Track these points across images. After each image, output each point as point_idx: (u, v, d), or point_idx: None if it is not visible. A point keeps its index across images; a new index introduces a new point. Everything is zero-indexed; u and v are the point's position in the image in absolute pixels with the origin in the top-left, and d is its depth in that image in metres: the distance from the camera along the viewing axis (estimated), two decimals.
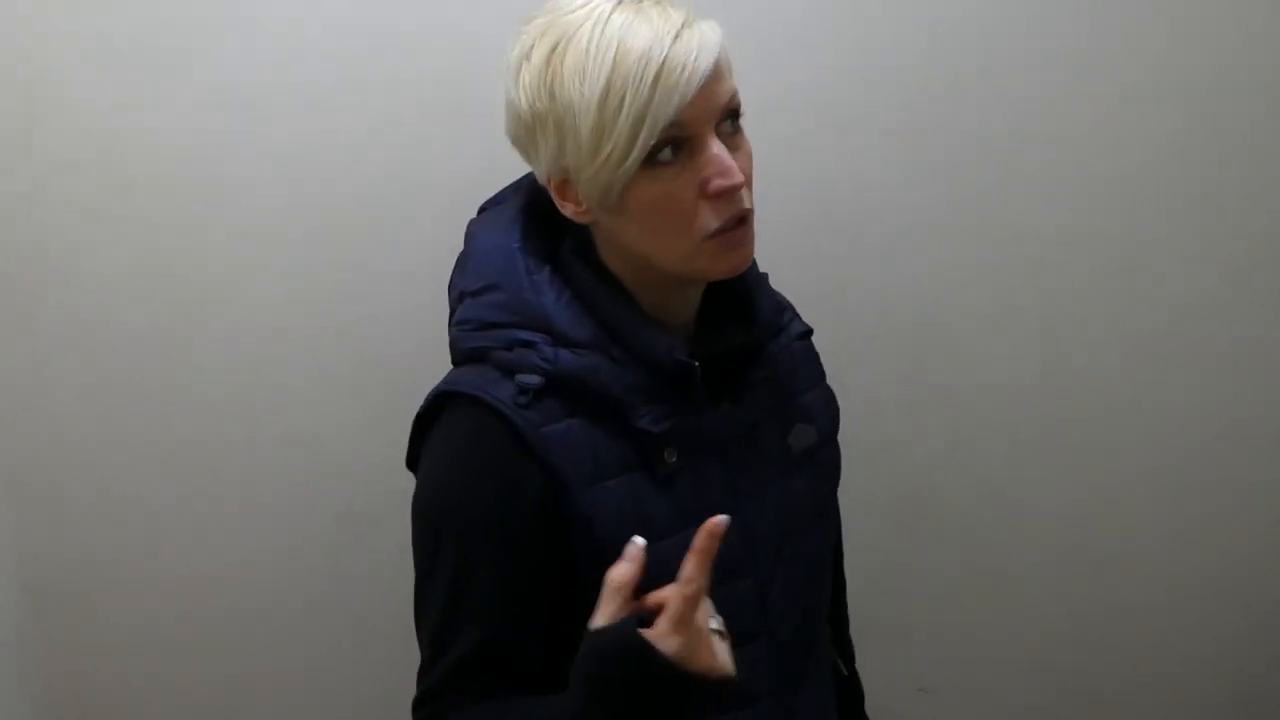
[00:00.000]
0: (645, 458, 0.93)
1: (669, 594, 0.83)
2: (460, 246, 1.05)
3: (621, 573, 0.85)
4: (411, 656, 0.96)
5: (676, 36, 0.84)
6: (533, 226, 0.97)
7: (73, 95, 1.21)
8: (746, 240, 0.91)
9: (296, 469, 1.32)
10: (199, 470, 1.31)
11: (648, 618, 0.84)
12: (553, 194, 0.93)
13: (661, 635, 0.82)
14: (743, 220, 0.89)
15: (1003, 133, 1.40)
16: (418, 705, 0.94)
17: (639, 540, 0.87)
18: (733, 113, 0.89)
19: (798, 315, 1.07)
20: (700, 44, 0.85)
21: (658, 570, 0.89)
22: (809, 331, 1.07)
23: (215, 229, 1.26)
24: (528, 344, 0.92)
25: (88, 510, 1.30)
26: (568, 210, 0.93)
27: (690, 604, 0.82)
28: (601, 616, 0.84)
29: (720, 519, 0.84)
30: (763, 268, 1.04)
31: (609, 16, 0.85)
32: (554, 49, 0.86)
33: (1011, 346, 1.47)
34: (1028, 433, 1.51)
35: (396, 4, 1.25)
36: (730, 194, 0.87)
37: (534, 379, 0.91)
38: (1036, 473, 1.52)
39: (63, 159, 1.22)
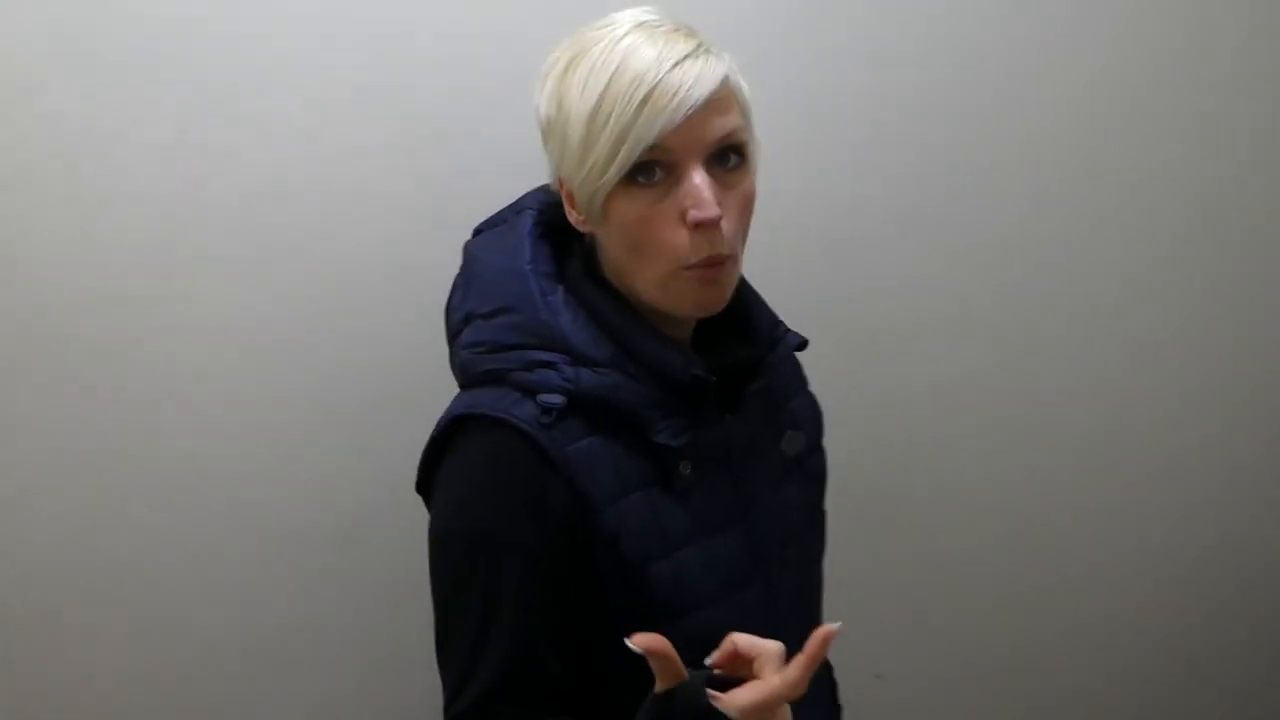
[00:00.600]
0: (662, 472, 0.95)
1: (764, 676, 0.81)
2: (448, 264, 1.05)
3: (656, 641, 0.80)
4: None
5: (677, 64, 0.86)
6: (540, 248, 0.98)
7: (46, 108, 1.16)
8: (720, 280, 0.92)
9: (276, 490, 1.30)
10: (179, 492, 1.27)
11: (714, 676, 0.83)
12: (564, 200, 0.96)
13: (739, 708, 0.80)
14: (717, 262, 0.90)
15: (955, 143, 1.46)
16: None
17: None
18: (730, 149, 0.90)
19: (789, 328, 1.09)
20: (699, 74, 0.87)
21: (676, 577, 0.93)
22: (805, 343, 1.09)
23: (197, 243, 1.22)
24: (548, 364, 0.93)
25: (55, 533, 1.24)
26: (573, 217, 0.96)
27: (779, 699, 0.81)
28: (662, 681, 0.81)
29: (833, 627, 0.82)
30: None
31: (622, 37, 0.88)
32: (570, 62, 0.91)
33: (962, 346, 1.54)
34: (976, 428, 1.58)
35: (381, 16, 1.23)
36: (707, 228, 0.88)
37: (557, 399, 0.91)
38: (984, 465, 1.60)
39: (31, 169, 1.17)
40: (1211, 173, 1.59)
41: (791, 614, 1.03)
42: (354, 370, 1.29)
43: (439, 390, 1.02)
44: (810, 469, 1.11)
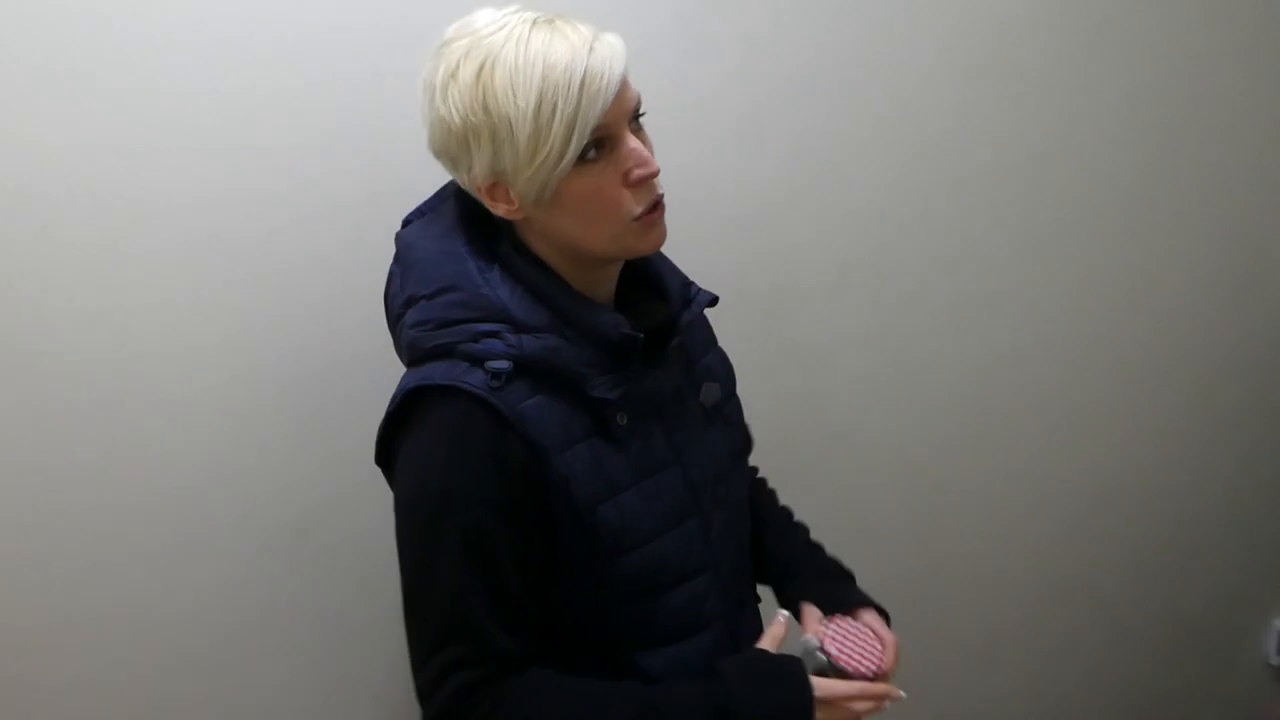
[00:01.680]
0: (602, 423, 1.03)
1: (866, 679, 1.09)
2: (373, 255, 1.12)
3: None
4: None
5: (591, 49, 0.94)
6: (472, 232, 1.05)
7: None
8: (662, 219, 1.03)
9: (226, 486, 1.31)
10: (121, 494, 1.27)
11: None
12: (482, 198, 1.01)
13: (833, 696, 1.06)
14: (657, 205, 1.01)
15: (832, 125, 1.59)
16: (442, 679, 0.98)
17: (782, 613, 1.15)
18: (639, 111, 1.01)
19: (700, 288, 1.16)
20: (612, 54, 0.95)
21: (621, 518, 1.03)
22: (715, 299, 1.16)
23: (143, 244, 1.23)
24: (493, 334, 1.00)
25: (14, 530, 1.24)
26: (499, 210, 1.01)
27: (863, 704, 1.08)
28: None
29: (899, 695, 1.11)
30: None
31: (529, 36, 0.94)
32: (481, 67, 0.94)
33: (851, 307, 1.68)
34: (868, 380, 1.72)
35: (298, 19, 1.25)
36: (649, 180, 0.99)
37: (504, 364, 0.99)
38: (878, 416, 1.75)
39: None
40: (1054, 132, 1.76)
41: (724, 544, 1.15)
42: (301, 363, 1.32)
43: (386, 376, 1.06)
44: (729, 414, 1.21)
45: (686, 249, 1.18)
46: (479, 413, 0.98)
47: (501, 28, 0.95)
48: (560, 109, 0.92)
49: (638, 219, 1.00)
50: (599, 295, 1.08)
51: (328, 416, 1.34)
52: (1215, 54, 1.84)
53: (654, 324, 1.08)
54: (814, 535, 1.32)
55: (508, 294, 1.01)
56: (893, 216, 1.67)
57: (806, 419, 1.69)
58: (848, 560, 1.29)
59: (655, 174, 0.99)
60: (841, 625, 1.14)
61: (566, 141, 0.93)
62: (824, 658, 1.09)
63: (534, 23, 0.95)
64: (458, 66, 0.95)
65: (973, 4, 1.63)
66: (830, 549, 1.30)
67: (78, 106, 1.17)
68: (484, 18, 0.97)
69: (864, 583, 1.25)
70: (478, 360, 0.99)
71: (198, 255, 1.25)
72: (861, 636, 1.12)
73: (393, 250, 1.11)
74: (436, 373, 1.00)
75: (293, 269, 1.30)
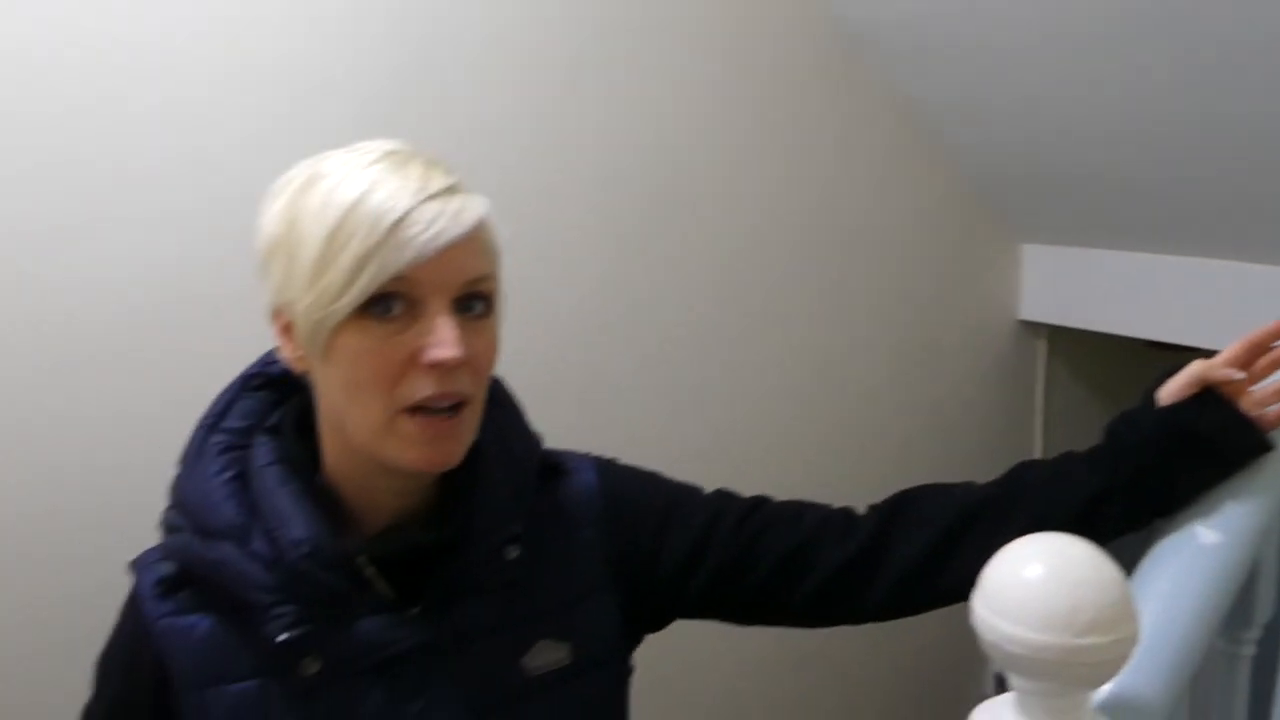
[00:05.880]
0: (279, 665, 0.83)
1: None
2: None
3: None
4: None
5: (433, 196, 0.79)
6: (239, 398, 0.90)
7: None
8: (454, 434, 0.82)
9: None
10: None
11: None
12: (278, 336, 0.86)
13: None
14: (455, 409, 0.81)
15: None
16: None
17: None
18: (479, 295, 0.82)
19: (517, 539, 0.89)
20: (459, 209, 0.79)
21: None
22: (518, 561, 0.89)
23: None
24: (176, 528, 0.86)
25: None
26: (287, 353, 0.85)
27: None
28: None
29: None
30: None
31: (373, 163, 0.80)
32: (306, 183, 0.81)
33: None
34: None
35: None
36: (445, 370, 0.79)
37: (169, 568, 0.86)
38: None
39: None
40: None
41: None
42: None
43: None
44: (576, 692, 0.91)
45: None
46: (132, 609, 0.89)
47: (354, 150, 0.83)
48: (359, 239, 0.76)
49: (412, 412, 0.79)
50: (378, 507, 0.86)
51: None
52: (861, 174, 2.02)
53: (398, 550, 0.86)
54: None
55: (203, 481, 0.85)
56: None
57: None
58: None
59: (454, 361, 0.78)
60: None
61: (351, 279, 0.77)
62: None
63: (388, 154, 0.81)
64: (290, 180, 0.83)
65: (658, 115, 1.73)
66: None
67: None
68: (364, 143, 0.84)
69: None
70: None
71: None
72: None
73: None
74: (149, 550, 0.90)
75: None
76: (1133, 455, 0.95)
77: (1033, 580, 0.66)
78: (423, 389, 0.79)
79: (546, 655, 0.89)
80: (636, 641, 0.99)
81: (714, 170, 1.82)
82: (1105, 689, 0.78)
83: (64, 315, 1.27)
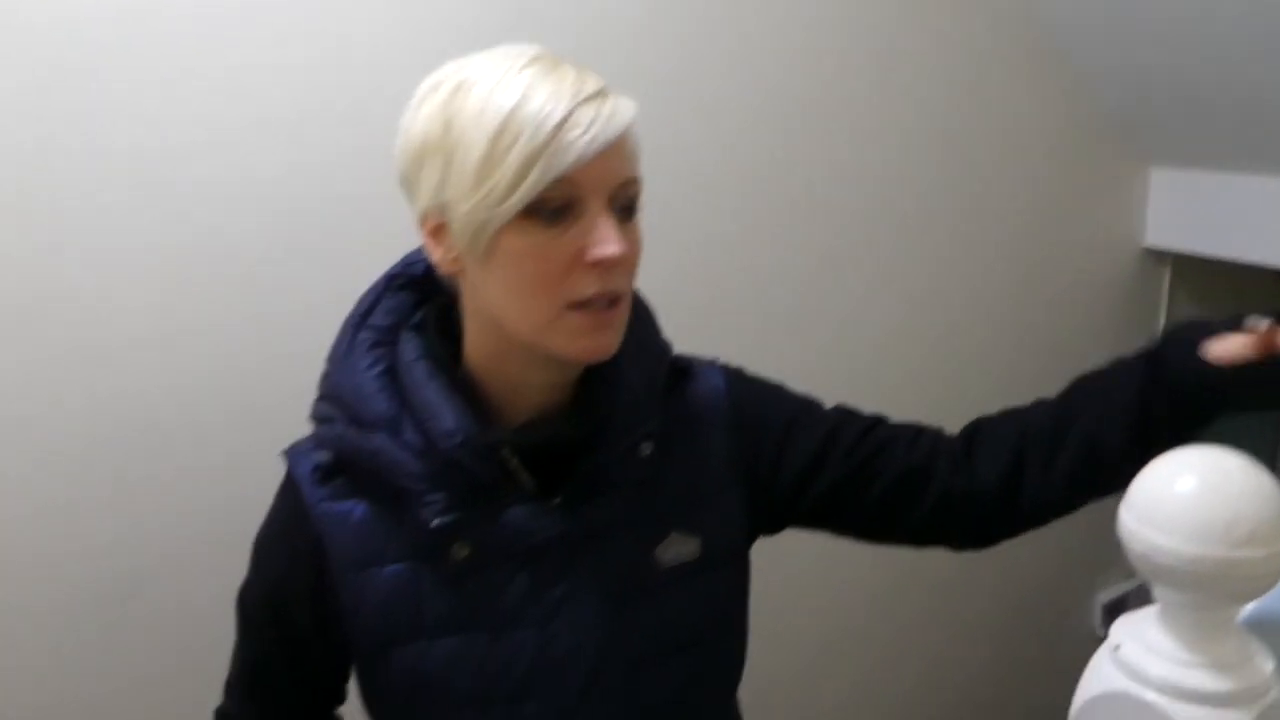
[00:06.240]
0: (431, 549, 0.88)
1: None
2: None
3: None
4: None
5: (589, 99, 0.80)
6: (382, 297, 0.94)
7: None
8: (613, 326, 0.85)
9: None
10: None
11: None
12: (425, 239, 0.87)
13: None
14: (614, 302, 0.83)
15: None
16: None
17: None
18: (629, 199, 0.84)
19: (651, 437, 0.92)
20: (614, 112, 0.81)
21: (422, 669, 0.88)
22: (649, 449, 0.92)
23: None
24: (329, 419, 0.90)
25: None
26: (436, 256, 0.87)
27: None
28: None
29: None
30: None
31: (524, 67, 0.81)
32: (459, 86, 0.82)
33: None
34: None
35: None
36: (607, 266, 0.81)
37: (325, 456, 0.90)
38: None
39: None
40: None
41: None
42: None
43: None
44: (704, 585, 0.95)
45: None
46: (290, 494, 0.94)
47: (501, 56, 0.83)
48: (524, 140, 0.78)
49: (578, 307, 0.82)
50: (529, 398, 0.90)
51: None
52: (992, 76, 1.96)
53: (543, 441, 0.89)
54: None
55: (356, 375, 0.89)
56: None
57: None
58: None
59: (616, 259, 0.81)
60: None
61: (519, 178, 0.78)
62: None
63: (533, 59, 0.82)
64: (439, 84, 0.84)
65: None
66: None
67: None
68: (492, 51, 0.85)
69: None
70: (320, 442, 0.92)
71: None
72: None
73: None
74: (299, 441, 0.95)
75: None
76: (1166, 398, 0.90)
77: (1187, 493, 0.65)
78: (587, 286, 0.81)
79: (677, 548, 0.93)
80: (753, 540, 1.02)
81: (845, 96, 1.78)
82: (1250, 605, 0.77)
83: (211, 222, 1.30)
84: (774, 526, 1.02)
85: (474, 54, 0.85)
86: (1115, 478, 0.81)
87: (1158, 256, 2.20)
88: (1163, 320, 2.26)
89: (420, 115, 0.84)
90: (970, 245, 1.99)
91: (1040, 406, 0.98)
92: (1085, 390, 0.97)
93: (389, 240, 1.00)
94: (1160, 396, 0.90)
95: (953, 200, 1.95)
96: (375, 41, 1.34)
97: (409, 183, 0.86)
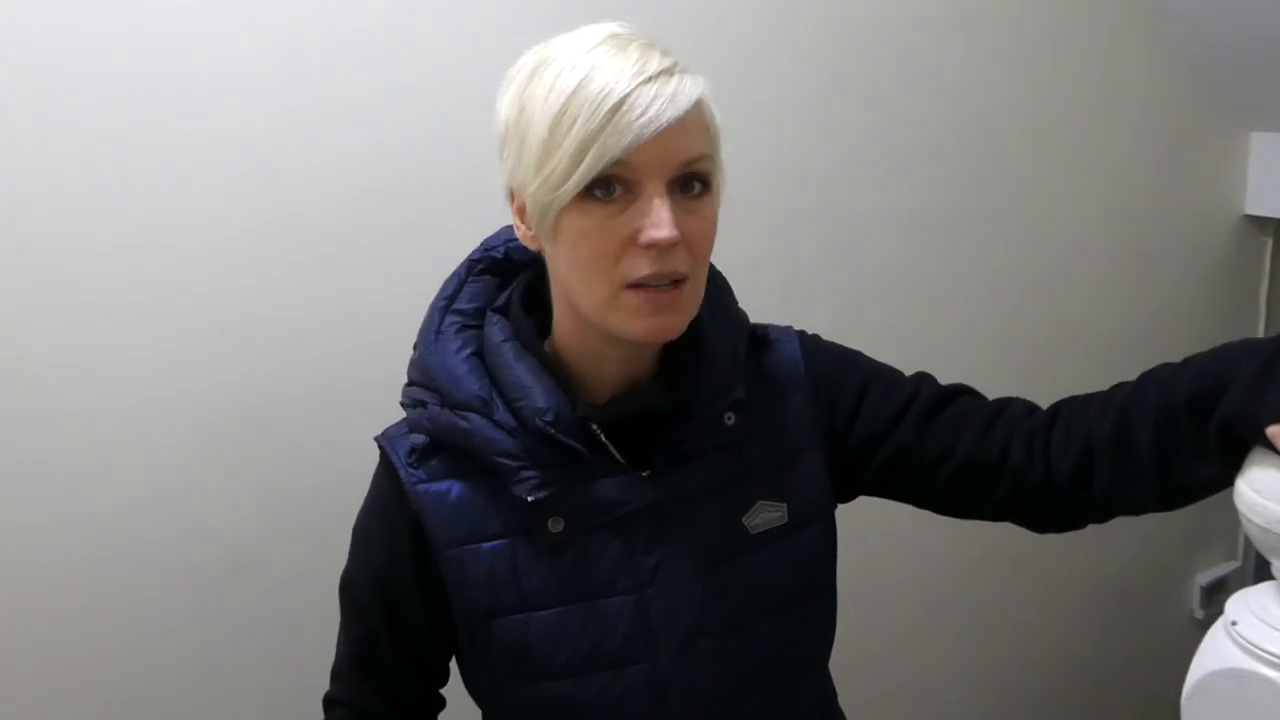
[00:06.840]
0: (527, 524, 0.90)
1: None
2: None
3: None
4: None
5: (650, 79, 0.79)
6: (466, 282, 0.96)
7: None
8: (675, 307, 0.85)
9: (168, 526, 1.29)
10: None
11: None
12: (514, 218, 0.90)
13: None
14: (676, 284, 0.83)
15: None
16: (324, 710, 1.02)
17: None
18: (696, 175, 0.83)
19: (740, 403, 0.94)
20: (674, 92, 0.80)
21: (526, 639, 0.90)
22: (736, 417, 0.94)
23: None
24: (421, 403, 0.92)
25: None
26: (520, 234, 0.90)
27: None
28: None
29: None
30: None
31: (594, 46, 0.82)
32: (537, 67, 0.83)
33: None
34: None
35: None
36: (661, 248, 0.81)
37: (420, 439, 0.92)
38: None
39: None
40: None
41: (690, 713, 0.93)
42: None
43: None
44: (792, 549, 0.96)
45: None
46: (387, 478, 0.95)
47: (579, 35, 0.84)
48: (579, 125, 0.79)
49: (635, 287, 0.82)
50: (606, 375, 0.92)
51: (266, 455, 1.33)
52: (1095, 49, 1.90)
53: (630, 414, 0.91)
54: None
55: (447, 358, 0.92)
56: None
57: None
58: None
59: (667, 241, 0.80)
60: None
61: (575, 163, 0.79)
62: None
63: (609, 37, 0.83)
64: (521, 66, 0.86)
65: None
66: None
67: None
68: (588, 26, 0.85)
69: None
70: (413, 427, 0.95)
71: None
72: None
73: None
74: (391, 428, 0.97)
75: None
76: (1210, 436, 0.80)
77: None
78: (641, 268, 0.82)
79: (765, 514, 0.95)
80: (838, 503, 1.03)
81: (939, 58, 1.74)
82: None
83: (304, 206, 1.31)
84: (847, 492, 1.03)
85: (559, 35, 0.86)
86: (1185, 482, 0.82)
87: (1259, 224, 2.13)
88: (1264, 289, 2.18)
89: (505, 97, 0.86)
90: (1069, 213, 1.94)
91: (1121, 393, 0.91)
92: (1160, 382, 0.89)
93: (472, 225, 1.01)
94: (1205, 429, 0.81)
95: (1050, 168, 1.90)
96: (465, 20, 1.34)
97: (499, 161, 0.89)
